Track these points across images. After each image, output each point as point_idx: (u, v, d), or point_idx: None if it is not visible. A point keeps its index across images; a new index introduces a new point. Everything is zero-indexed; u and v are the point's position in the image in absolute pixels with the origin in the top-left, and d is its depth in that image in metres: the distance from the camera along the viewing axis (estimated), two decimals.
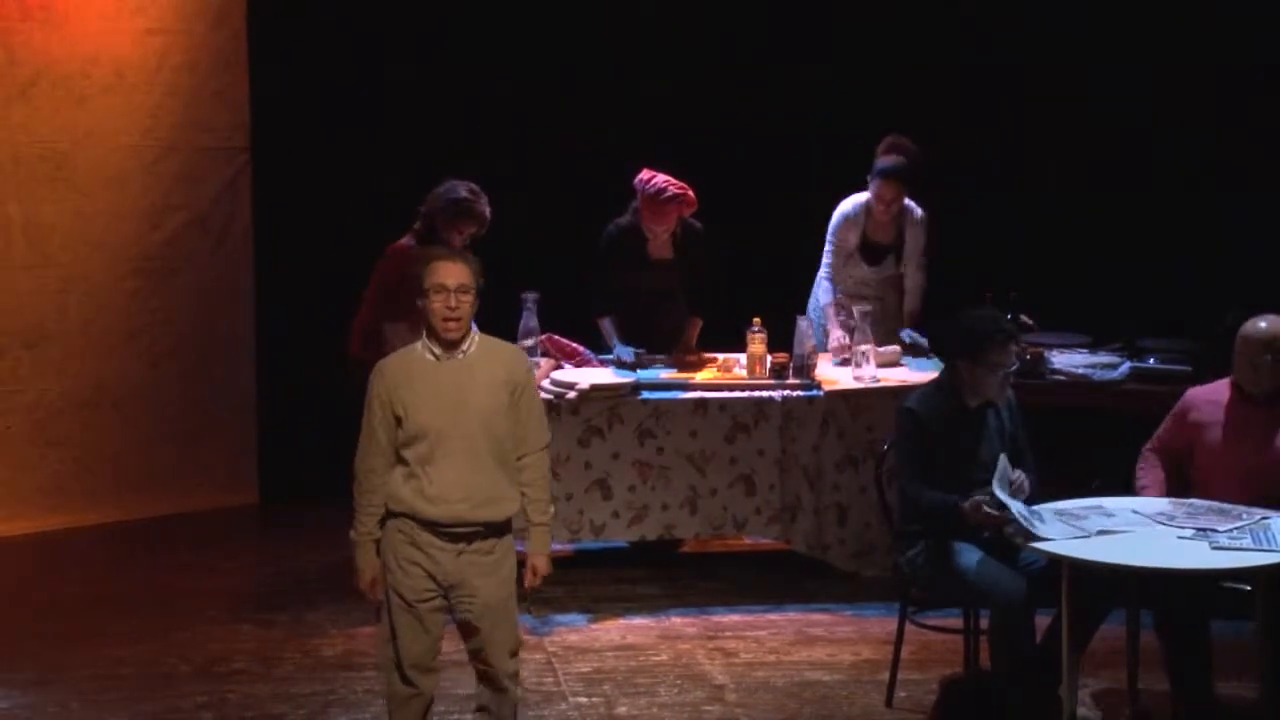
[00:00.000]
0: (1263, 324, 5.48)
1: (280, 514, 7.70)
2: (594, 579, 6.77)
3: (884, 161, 7.05)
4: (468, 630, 4.86)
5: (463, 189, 6.75)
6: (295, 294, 7.66)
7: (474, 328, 4.81)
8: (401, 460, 4.78)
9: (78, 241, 7.45)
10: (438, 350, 4.77)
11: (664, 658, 6.18)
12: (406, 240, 6.85)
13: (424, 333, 4.78)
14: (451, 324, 4.72)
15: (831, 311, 7.12)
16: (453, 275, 4.71)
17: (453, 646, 5.06)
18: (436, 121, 7.69)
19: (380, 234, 6.94)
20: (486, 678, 4.89)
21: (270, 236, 7.73)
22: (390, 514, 4.81)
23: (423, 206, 6.82)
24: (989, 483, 5.31)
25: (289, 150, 7.67)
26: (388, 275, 6.84)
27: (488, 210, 6.75)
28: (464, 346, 4.77)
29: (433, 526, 4.75)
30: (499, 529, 4.81)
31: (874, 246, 7.16)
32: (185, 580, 6.95)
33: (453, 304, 4.70)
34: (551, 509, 4.94)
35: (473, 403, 4.74)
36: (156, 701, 5.80)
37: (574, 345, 6.87)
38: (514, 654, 4.89)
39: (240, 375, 7.79)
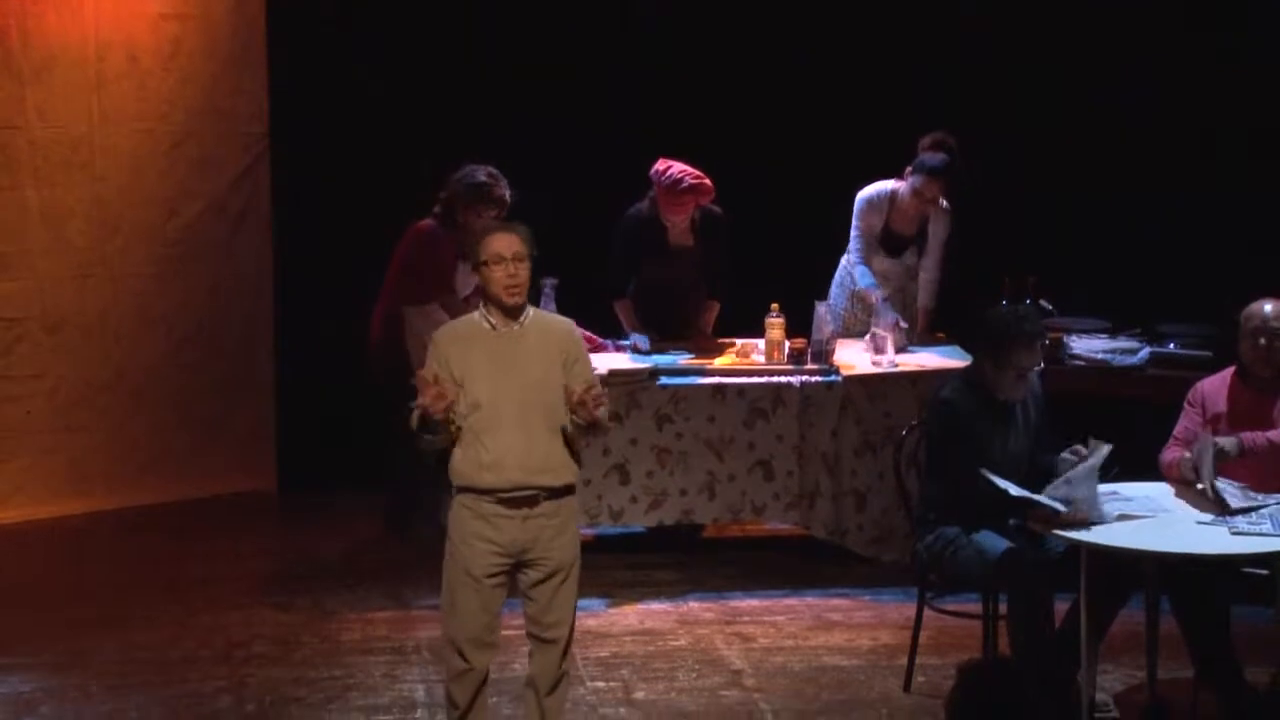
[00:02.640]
0: (1268, 306, 5.46)
1: (298, 500, 7.70)
2: (612, 564, 6.77)
3: (931, 158, 6.94)
4: (532, 595, 4.92)
5: (482, 173, 6.75)
6: (314, 280, 7.66)
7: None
8: (465, 435, 4.84)
9: (95, 226, 7.46)
10: (495, 320, 4.87)
11: (682, 643, 6.18)
12: (426, 223, 6.86)
13: (480, 304, 4.88)
14: (514, 290, 4.82)
15: (877, 295, 7.00)
16: (510, 245, 4.82)
17: (509, 627, 5.09)
18: (456, 105, 7.68)
19: (400, 219, 6.96)
20: (541, 648, 4.95)
21: (289, 223, 7.73)
22: (456, 491, 4.89)
23: (442, 191, 6.83)
24: (1014, 476, 5.30)
25: (308, 136, 7.66)
26: (409, 258, 6.85)
27: (508, 194, 6.75)
28: (521, 318, 4.87)
29: (494, 495, 4.82)
30: (560, 492, 4.89)
31: (896, 237, 7.12)
32: (204, 565, 6.97)
33: (512, 271, 4.81)
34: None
35: (529, 372, 4.84)
36: (176, 686, 5.82)
37: (590, 335, 6.85)
38: (571, 626, 4.98)
39: (259, 361, 7.79)
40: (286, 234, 7.73)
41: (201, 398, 7.71)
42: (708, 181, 6.76)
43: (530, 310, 4.92)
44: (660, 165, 6.81)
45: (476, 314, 4.91)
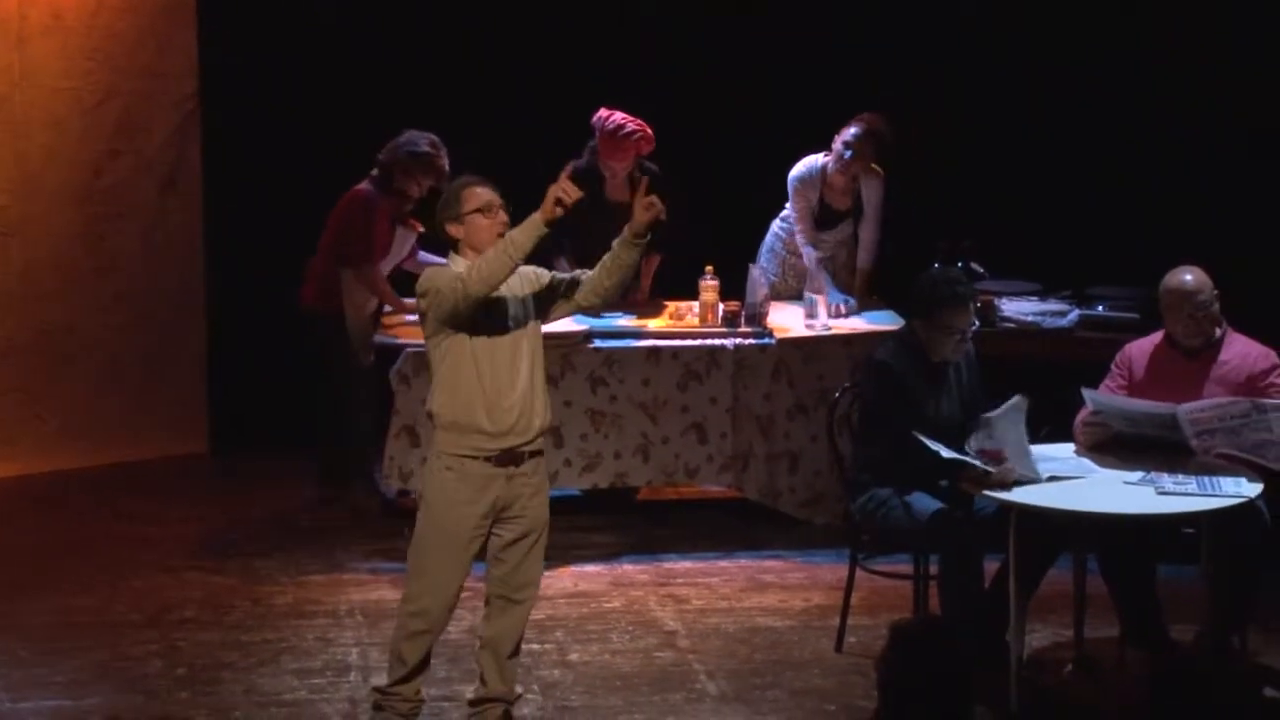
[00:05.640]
0: (1188, 276, 5.50)
1: (230, 463, 7.65)
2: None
3: (848, 131, 6.90)
4: (502, 556, 4.98)
5: (424, 142, 6.72)
6: (246, 241, 7.59)
7: None
8: (455, 377, 4.87)
9: (17, 184, 7.35)
10: None
11: (616, 605, 6.20)
12: (365, 187, 6.82)
13: (461, 256, 4.88)
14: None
15: (813, 259, 7.00)
16: (493, 194, 4.91)
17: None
18: (392, 65, 7.62)
19: (334, 180, 6.91)
20: (508, 608, 5.01)
21: (221, 183, 7.65)
22: (440, 454, 4.92)
23: (381, 155, 6.79)
24: (946, 438, 5.34)
25: (241, 95, 7.58)
26: (345, 222, 6.81)
27: (447, 164, 6.75)
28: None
29: (482, 452, 4.86)
30: (540, 449, 4.98)
31: (831, 212, 7.12)
32: (135, 529, 6.92)
33: (504, 219, 4.89)
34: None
35: (516, 318, 4.90)
36: (106, 650, 5.78)
37: None
38: (538, 588, 5.10)
39: (190, 323, 7.73)
40: (218, 194, 7.66)
41: (131, 360, 7.63)
42: (649, 130, 6.78)
43: None
44: (602, 113, 6.82)
45: (457, 265, 4.88)
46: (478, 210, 4.88)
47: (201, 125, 7.60)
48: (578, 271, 5.12)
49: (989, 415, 5.25)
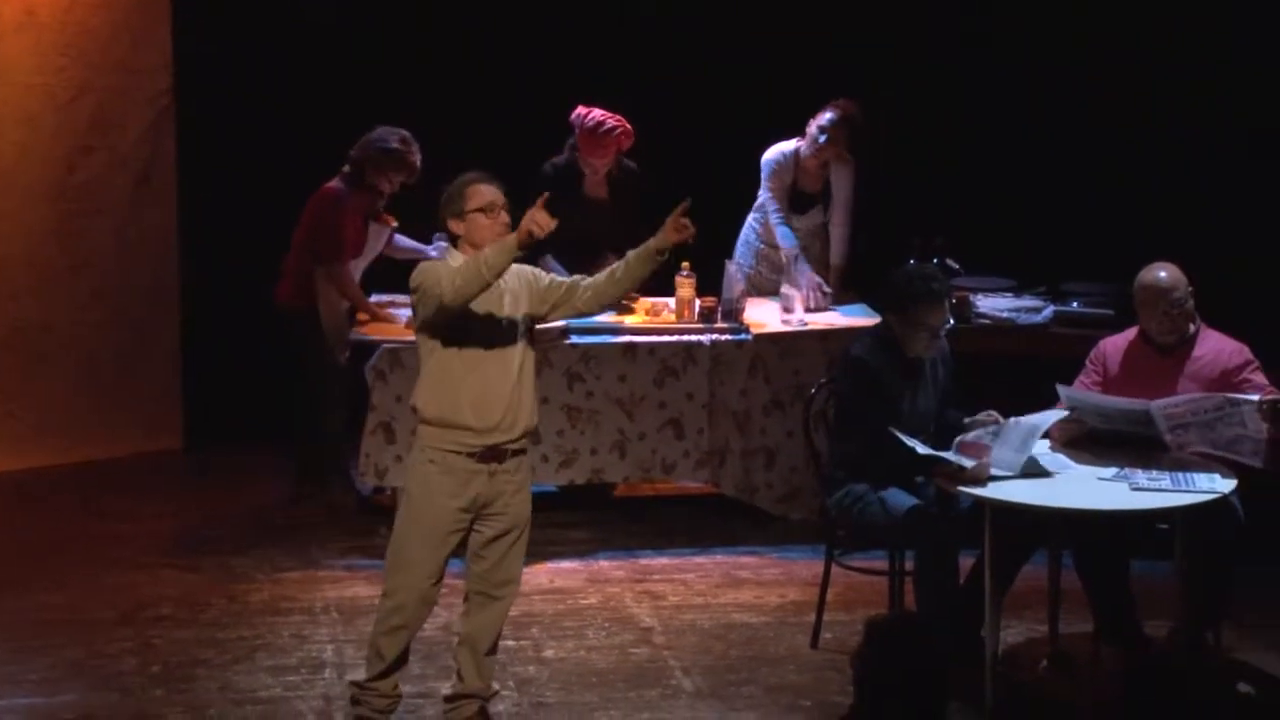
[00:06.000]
0: (1163, 273, 5.52)
1: (205, 460, 7.63)
2: None
3: (825, 115, 6.94)
4: (483, 553, 4.98)
5: (394, 139, 6.71)
6: (221, 237, 7.57)
7: None
8: (443, 373, 4.88)
9: None
10: None
11: (592, 601, 6.20)
12: (336, 184, 6.80)
13: (460, 252, 4.89)
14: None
15: (791, 253, 7.01)
16: (496, 194, 4.92)
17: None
18: (366, 62, 7.60)
19: (310, 177, 6.88)
20: (488, 604, 5.01)
21: (196, 179, 7.62)
22: (423, 448, 4.92)
23: (353, 151, 6.78)
24: (922, 434, 5.35)
25: (216, 91, 7.56)
26: (318, 220, 6.79)
27: (418, 160, 6.74)
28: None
29: (466, 447, 4.86)
30: (525, 447, 4.99)
31: (803, 195, 7.14)
32: (109, 526, 6.89)
33: (505, 220, 4.90)
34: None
35: (508, 316, 4.91)
36: (81, 647, 5.76)
37: None
38: (519, 585, 5.12)
39: (164, 319, 7.70)
40: (193, 190, 7.63)
41: (106, 357, 7.60)
42: (629, 125, 6.78)
43: None
44: (581, 110, 6.83)
45: (455, 260, 4.89)
46: (479, 210, 4.89)
47: (176, 121, 7.57)
48: (576, 276, 5.12)
49: (1006, 434, 5.24)
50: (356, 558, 6.52)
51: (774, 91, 7.57)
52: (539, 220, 4.73)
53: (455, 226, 4.93)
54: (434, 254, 6.74)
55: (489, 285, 4.78)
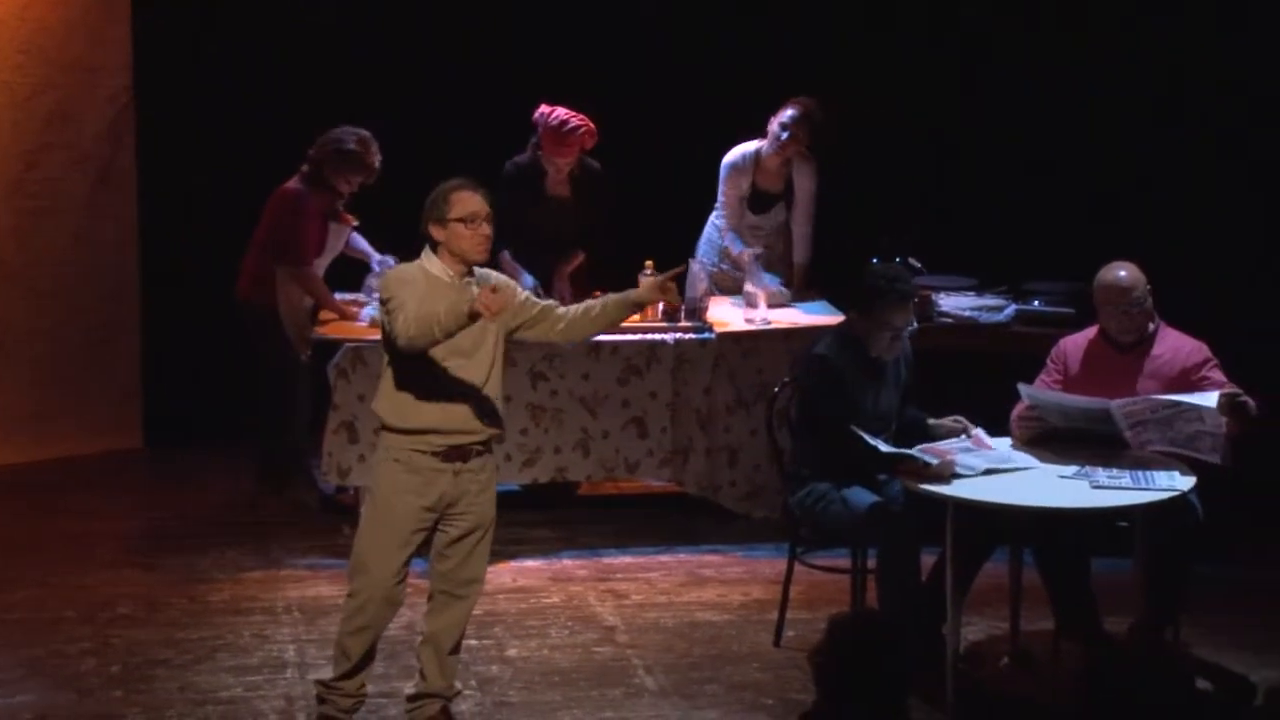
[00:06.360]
0: (1122, 273, 5.55)
1: (166, 459, 7.59)
2: None
3: (786, 112, 6.95)
4: (447, 552, 4.97)
5: (351, 140, 6.68)
6: (181, 235, 7.54)
7: None
8: (407, 379, 4.86)
9: None
10: (453, 272, 4.91)
11: (555, 600, 6.19)
12: (295, 184, 6.77)
13: (439, 258, 4.89)
14: (485, 250, 4.92)
15: (749, 254, 7.03)
16: (481, 204, 4.90)
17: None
18: (325, 58, 7.57)
19: (270, 175, 6.85)
20: (452, 604, 5.00)
21: (156, 177, 7.58)
22: (388, 443, 4.90)
23: (312, 150, 6.75)
24: (885, 432, 5.37)
25: (176, 90, 7.51)
26: (277, 220, 6.76)
27: (377, 161, 6.71)
28: (474, 273, 4.96)
29: (430, 446, 4.85)
30: (490, 446, 4.98)
31: (764, 194, 7.15)
32: (69, 525, 6.85)
33: (486, 231, 4.89)
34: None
35: (480, 327, 4.88)
36: (40, 646, 5.72)
37: None
38: (483, 584, 5.10)
39: (125, 318, 7.65)
40: (153, 188, 7.58)
41: (66, 355, 7.55)
42: (592, 125, 6.78)
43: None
44: (544, 109, 6.81)
45: (434, 266, 4.88)
46: (461, 219, 4.87)
47: (136, 119, 7.53)
48: (550, 302, 5.13)
49: (983, 455, 5.29)
50: (319, 557, 6.50)
51: (736, 90, 7.58)
52: (488, 303, 4.67)
53: (436, 232, 4.91)
54: (376, 266, 6.75)
55: (440, 343, 4.78)
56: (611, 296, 5.05)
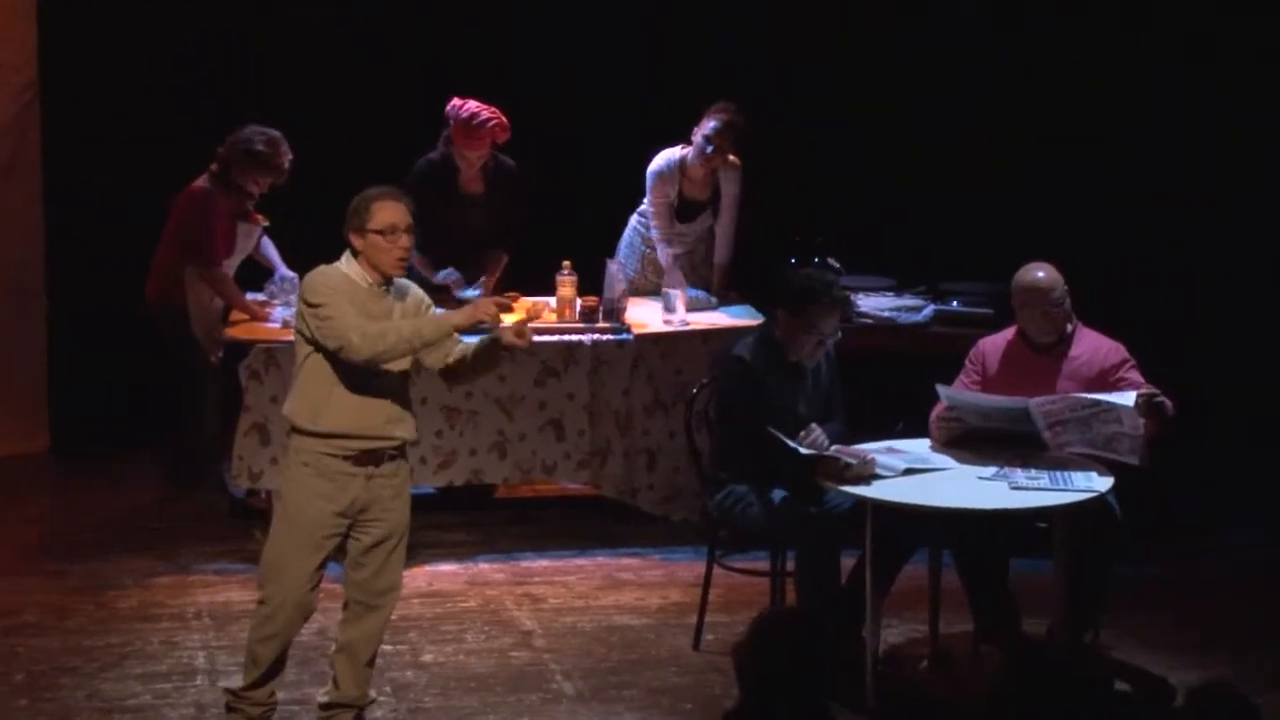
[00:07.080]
0: (1040, 273, 5.55)
1: (72, 463, 7.45)
2: None
3: (709, 123, 6.89)
4: (362, 560, 4.91)
5: (260, 141, 6.58)
6: (88, 233, 7.39)
7: None
8: (319, 381, 4.81)
9: None
10: (371, 279, 4.87)
11: (471, 604, 6.13)
12: (202, 183, 6.67)
13: (358, 263, 4.84)
14: (404, 263, 4.88)
15: (668, 255, 6.97)
16: (401, 215, 4.84)
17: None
18: (235, 52, 7.46)
19: (179, 172, 6.75)
20: (368, 613, 4.94)
21: (63, 174, 7.44)
22: (298, 450, 4.84)
23: (221, 149, 6.65)
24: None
25: (83, 87, 7.38)
26: (185, 220, 6.66)
27: (287, 161, 6.63)
28: (393, 282, 4.92)
29: (343, 448, 4.80)
30: (403, 451, 4.93)
31: (691, 203, 7.09)
32: None
33: (405, 244, 4.83)
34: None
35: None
36: None
37: None
38: (399, 593, 5.05)
39: (29, 319, 7.51)
40: (59, 185, 7.44)
41: None
42: (504, 118, 6.72)
43: None
44: (456, 102, 6.75)
45: (354, 272, 4.84)
46: (379, 231, 4.81)
47: (42, 115, 7.39)
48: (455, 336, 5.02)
49: (901, 461, 5.25)
50: (229, 562, 6.40)
51: (654, 89, 7.54)
52: (488, 311, 4.75)
53: (355, 241, 4.86)
54: (277, 279, 6.66)
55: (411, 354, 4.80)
56: (482, 342, 4.93)
